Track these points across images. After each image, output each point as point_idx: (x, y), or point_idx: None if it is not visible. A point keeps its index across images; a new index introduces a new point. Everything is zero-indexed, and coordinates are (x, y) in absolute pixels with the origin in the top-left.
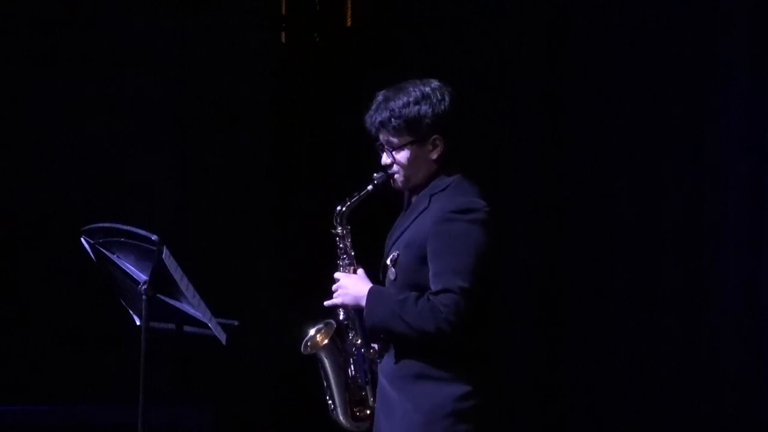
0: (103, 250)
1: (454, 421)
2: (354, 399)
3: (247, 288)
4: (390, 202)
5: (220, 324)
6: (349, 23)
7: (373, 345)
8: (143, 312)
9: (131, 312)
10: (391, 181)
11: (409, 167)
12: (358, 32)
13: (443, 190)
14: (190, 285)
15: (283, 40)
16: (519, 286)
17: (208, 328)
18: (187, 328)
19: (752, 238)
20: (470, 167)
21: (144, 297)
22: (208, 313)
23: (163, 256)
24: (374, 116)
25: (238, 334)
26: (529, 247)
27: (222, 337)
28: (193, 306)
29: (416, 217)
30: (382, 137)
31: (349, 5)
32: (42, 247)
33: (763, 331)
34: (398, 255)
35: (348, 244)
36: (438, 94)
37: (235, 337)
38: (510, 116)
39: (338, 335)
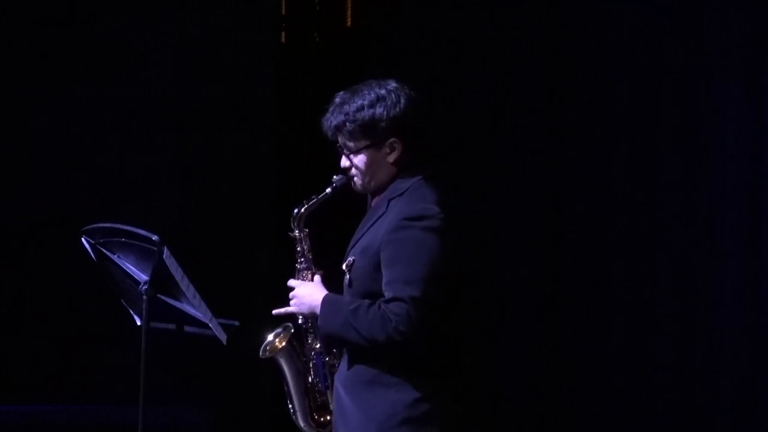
0: (104, 250)
1: (409, 430)
2: (314, 404)
3: (247, 288)
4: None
5: (220, 324)
6: (349, 23)
7: (333, 350)
8: (143, 312)
9: (131, 312)
10: (352, 183)
11: (367, 171)
12: (358, 32)
13: (402, 194)
14: (191, 285)
15: (283, 40)
16: (519, 286)
17: (209, 328)
18: (187, 328)
19: (752, 238)
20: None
21: (144, 297)
22: (209, 313)
23: (164, 256)
24: (330, 119)
25: (238, 334)
26: (529, 248)
27: (222, 337)
28: (193, 306)
29: (374, 222)
30: (339, 140)
31: (349, 5)
32: (42, 247)
33: (763, 331)
34: (354, 260)
35: (306, 247)
36: (393, 96)
37: (235, 337)
38: (510, 116)
39: (297, 340)
